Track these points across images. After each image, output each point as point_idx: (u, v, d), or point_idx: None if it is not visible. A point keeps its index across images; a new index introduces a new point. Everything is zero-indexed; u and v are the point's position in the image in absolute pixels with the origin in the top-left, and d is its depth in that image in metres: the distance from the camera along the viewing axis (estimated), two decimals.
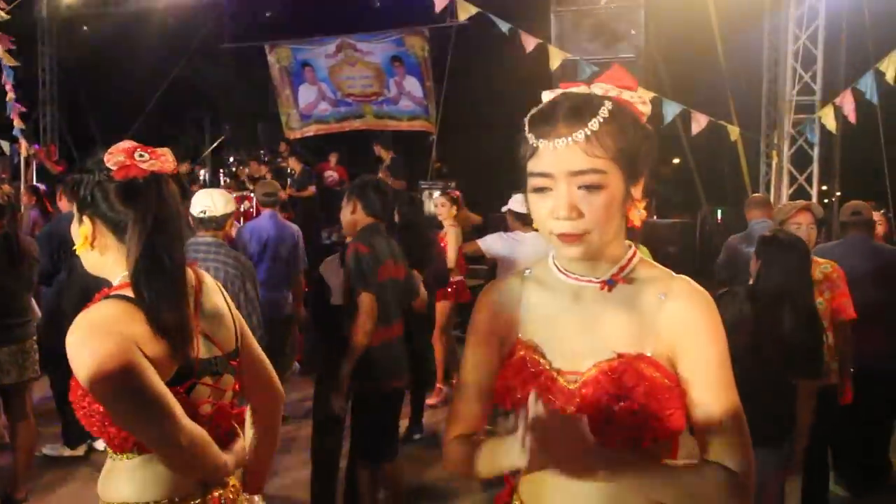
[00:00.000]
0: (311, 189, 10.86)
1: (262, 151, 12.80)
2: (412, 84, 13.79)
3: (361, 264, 3.77)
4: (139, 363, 1.59)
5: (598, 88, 1.42)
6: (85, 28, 14.64)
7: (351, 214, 3.98)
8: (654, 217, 9.65)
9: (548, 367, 1.46)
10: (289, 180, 11.27)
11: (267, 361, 1.99)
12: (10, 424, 4.79)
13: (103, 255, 1.72)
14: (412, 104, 13.93)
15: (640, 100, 1.44)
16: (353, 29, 13.81)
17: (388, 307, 3.89)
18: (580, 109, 1.35)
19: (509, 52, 12.51)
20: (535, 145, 1.36)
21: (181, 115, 17.47)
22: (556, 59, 6.56)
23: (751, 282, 3.49)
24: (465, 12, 6.50)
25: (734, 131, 7.06)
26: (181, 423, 1.63)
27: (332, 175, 11.92)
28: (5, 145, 9.51)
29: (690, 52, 8.47)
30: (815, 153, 7.32)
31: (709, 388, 1.42)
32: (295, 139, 14.33)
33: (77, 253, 1.75)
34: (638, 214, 1.43)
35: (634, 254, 1.49)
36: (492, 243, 5.75)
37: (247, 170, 12.07)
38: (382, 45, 13.69)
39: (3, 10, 7.20)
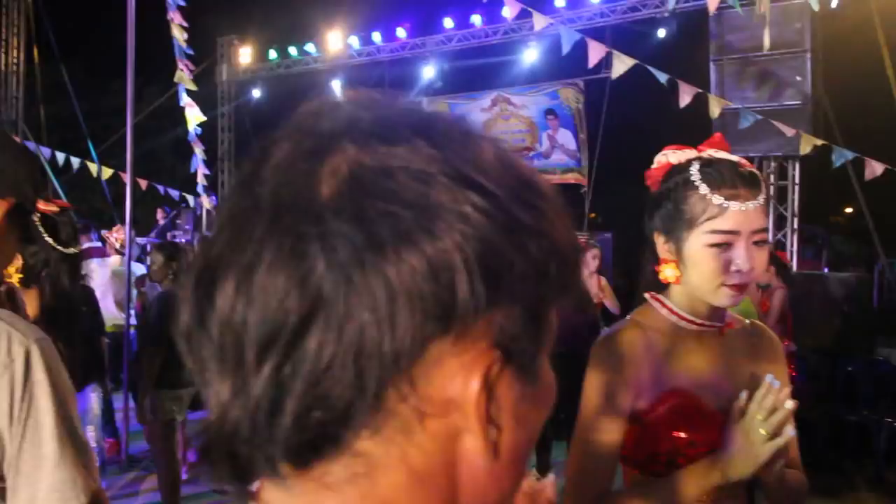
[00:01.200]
0: None
1: None
2: (565, 136, 13.87)
3: None
4: None
5: (723, 155, 1.58)
6: (258, 89, 15.74)
7: None
8: (825, 270, 9.15)
9: (715, 407, 1.52)
10: None
11: None
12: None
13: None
14: (565, 157, 13.98)
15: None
16: (508, 83, 14.13)
17: None
18: (754, 176, 1.55)
19: (666, 101, 12.40)
20: (724, 205, 1.51)
21: None
22: (716, 107, 6.42)
23: None
24: (622, 66, 6.50)
25: None
26: None
27: None
28: (190, 199, 10.32)
29: (863, 97, 8.06)
30: None
31: None
32: None
33: None
34: None
35: None
36: None
37: None
38: (537, 97, 13.90)
39: (191, 79, 7.90)
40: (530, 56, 13.17)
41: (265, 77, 15.47)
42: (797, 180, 8.35)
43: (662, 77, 6.53)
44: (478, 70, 14.36)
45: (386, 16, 14.18)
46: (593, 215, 13.05)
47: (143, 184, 11.06)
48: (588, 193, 13.07)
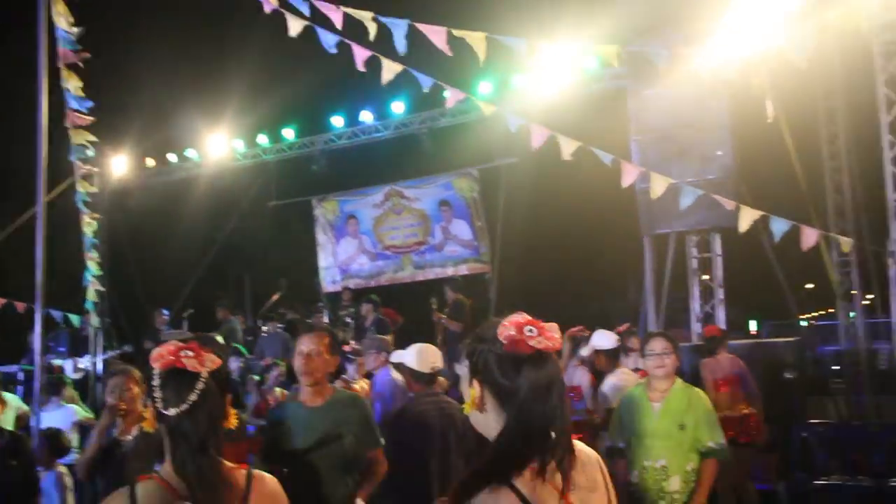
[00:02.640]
0: (389, 338, 10.40)
1: (320, 304, 12.47)
2: (460, 227, 13.66)
3: None
4: None
5: None
6: (135, 199, 14.69)
7: None
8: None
9: None
10: (352, 331, 10.91)
11: None
12: None
13: (486, 416, 1.76)
14: (459, 248, 13.73)
15: None
16: (401, 177, 13.87)
17: None
18: None
19: (563, 183, 12.40)
20: None
21: (223, 274, 17.33)
22: (660, 186, 6.27)
23: None
24: (568, 147, 6.26)
25: (846, 243, 6.72)
26: None
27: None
28: (74, 318, 9.20)
29: (785, 167, 8.26)
30: None
31: None
32: (338, 291, 14.15)
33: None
34: None
35: None
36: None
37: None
38: (430, 189, 13.68)
39: (94, 218, 7.09)
40: (423, 148, 12.92)
41: (142, 186, 14.49)
42: (720, 252, 8.37)
43: (607, 158, 6.34)
44: (370, 166, 14.04)
45: (271, 117, 13.66)
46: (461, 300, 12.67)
47: (21, 306, 9.81)
48: (493, 280, 12.81)
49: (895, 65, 7.37)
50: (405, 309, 11.49)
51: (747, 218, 6.45)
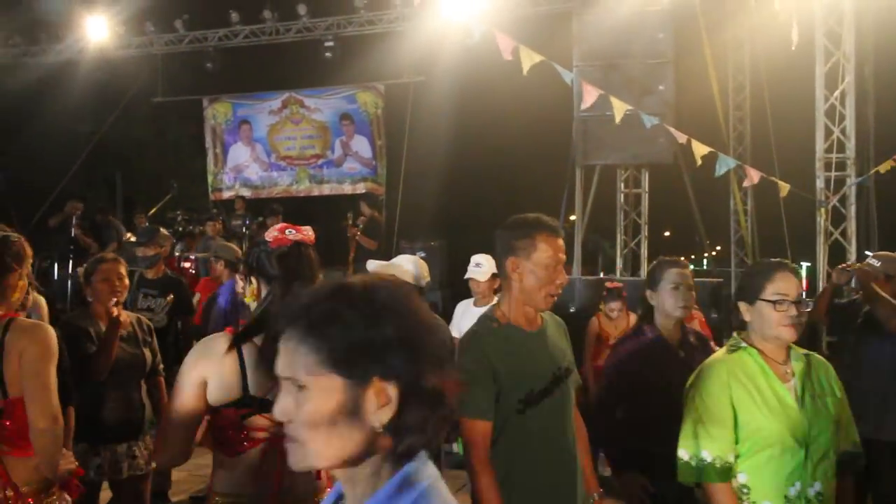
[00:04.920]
0: None
1: (215, 210, 11.31)
2: (360, 143, 12.78)
3: None
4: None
5: None
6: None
7: None
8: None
9: None
10: (248, 242, 9.94)
11: None
12: None
13: None
14: (358, 166, 12.89)
15: None
16: (302, 84, 12.75)
17: None
18: None
19: (475, 106, 11.73)
20: None
21: (91, 172, 15.60)
22: (619, 111, 5.80)
23: None
24: (529, 61, 5.63)
25: (784, 188, 6.54)
26: None
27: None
28: None
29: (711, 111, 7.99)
30: (853, 211, 6.94)
31: None
32: (223, 200, 13.04)
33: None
34: None
35: None
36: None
37: (200, 228, 10.41)
38: (333, 101, 12.66)
39: None
40: (327, 57, 11.82)
41: (9, 66, 12.57)
42: (647, 188, 8.07)
43: (568, 77, 5.78)
44: (269, 68, 12.80)
45: (160, 4, 12.10)
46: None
47: None
48: (386, 202, 12.06)
49: (836, 18, 7.16)
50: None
51: (697, 154, 6.13)
